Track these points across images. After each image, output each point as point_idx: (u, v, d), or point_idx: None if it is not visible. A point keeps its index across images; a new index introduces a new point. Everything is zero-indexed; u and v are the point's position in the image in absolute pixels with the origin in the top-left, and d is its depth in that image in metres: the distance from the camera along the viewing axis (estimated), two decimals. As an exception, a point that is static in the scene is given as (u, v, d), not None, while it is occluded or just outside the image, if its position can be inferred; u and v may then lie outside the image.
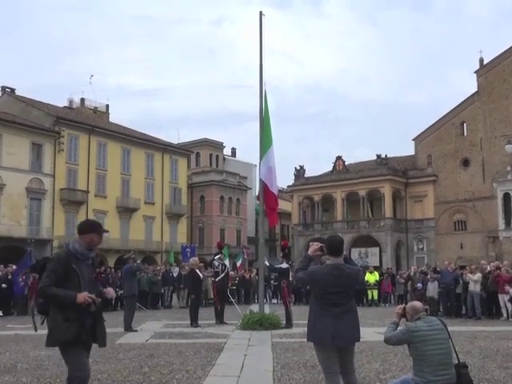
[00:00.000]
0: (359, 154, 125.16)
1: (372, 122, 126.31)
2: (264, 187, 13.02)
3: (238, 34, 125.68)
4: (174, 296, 26.66)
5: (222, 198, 61.30)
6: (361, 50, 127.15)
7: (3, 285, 20.24)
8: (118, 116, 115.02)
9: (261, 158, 13.05)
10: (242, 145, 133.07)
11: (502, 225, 49.90)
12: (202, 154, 68.83)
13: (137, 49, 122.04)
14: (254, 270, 30.00)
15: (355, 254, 50.66)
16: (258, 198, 13.15)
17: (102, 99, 59.42)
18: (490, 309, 18.38)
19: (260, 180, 13.25)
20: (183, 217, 56.19)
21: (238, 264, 30.42)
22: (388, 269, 32.91)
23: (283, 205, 66.76)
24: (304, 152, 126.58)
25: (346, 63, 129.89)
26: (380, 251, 52.85)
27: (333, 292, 4.97)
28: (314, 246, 5.25)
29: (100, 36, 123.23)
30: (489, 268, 19.15)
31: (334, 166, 59.08)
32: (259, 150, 13.27)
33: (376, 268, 31.09)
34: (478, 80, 53.28)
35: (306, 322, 5.16)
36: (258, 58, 14.24)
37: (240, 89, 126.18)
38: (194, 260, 16.70)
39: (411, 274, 24.03)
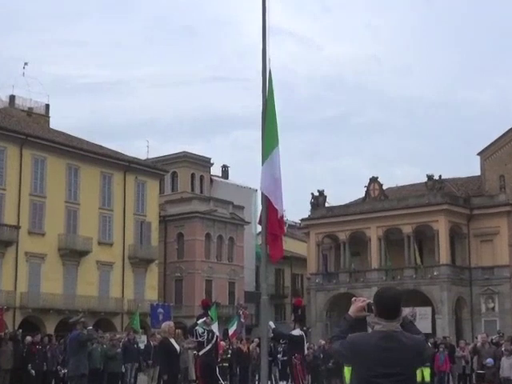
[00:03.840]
0: (401, 174, 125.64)
1: (417, 130, 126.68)
2: (267, 205, 12.88)
3: (226, 7, 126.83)
4: (141, 376, 26.45)
5: (208, 236, 61.21)
6: (400, 29, 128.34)
7: None
8: (62, 120, 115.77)
9: (262, 163, 12.95)
10: (237, 161, 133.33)
11: None
12: (181, 174, 69.00)
13: (87, 27, 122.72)
14: (255, 340, 29.79)
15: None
16: (259, 221, 12.98)
17: (39, 97, 59.59)
18: None
19: (262, 196, 13.10)
20: (153, 263, 56.01)
21: (232, 331, 30.22)
22: (445, 338, 32.73)
23: (296, 246, 66.73)
24: (321, 171, 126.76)
25: (380, 48, 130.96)
26: (433, 312, 52.53)
27: (384, 374, 4.77)
28: (359, 302, 5.16)
29: (37, 9, 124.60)
30: None
31: (366, 192, 59.11)
32: (261, 151, 13.17)
33: (428, 336, 30.92)
34: None
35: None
36: (256, 37, 14.28)
37: (230, 82, 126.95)
38: (168, 325, 16.60)
39: (478, 345, 23.88)
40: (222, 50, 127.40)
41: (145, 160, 63.38)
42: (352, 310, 5.11)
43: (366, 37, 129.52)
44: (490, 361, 21.16)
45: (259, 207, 14.07)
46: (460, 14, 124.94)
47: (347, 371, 27.64)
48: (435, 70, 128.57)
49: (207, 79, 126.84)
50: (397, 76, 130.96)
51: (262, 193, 12.97)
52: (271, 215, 12.69)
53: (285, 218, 13.53)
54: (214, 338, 16.46)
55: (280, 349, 26.26)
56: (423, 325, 49.33)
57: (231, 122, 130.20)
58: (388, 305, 4.90)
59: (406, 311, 51.47)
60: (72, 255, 50.37)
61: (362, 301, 5.10)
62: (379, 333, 4.86)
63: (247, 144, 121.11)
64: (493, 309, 54.31)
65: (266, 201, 12.78)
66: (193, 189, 68.96)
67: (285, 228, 13.96)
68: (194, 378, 17.69)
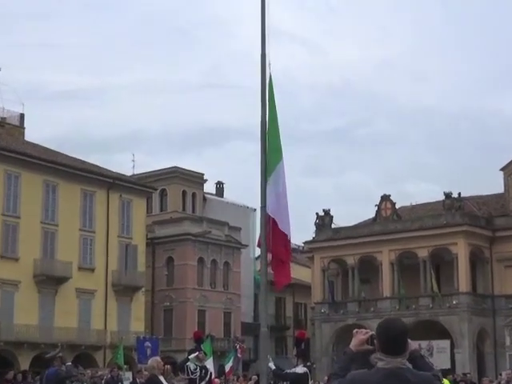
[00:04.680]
0: (416, 191, 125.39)
1: (433, 142, 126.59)
2: (271, 226, 12.81)
3: (221, 6, 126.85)
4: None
5: (201, 260, 61.12)
6: (414, 31, 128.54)
7: None
8: (38, 132, 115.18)
9: (267, 182, 12.91)
10: (233, 177, 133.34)
11: None
12: (171, 191, 68.98)
13: (65, 28, 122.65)
14: (253, 377, 29.70)
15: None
16: (259, 244, 12.94)
17: (13, 106, 59.55)
18: None
19: (261, 216, 13.04)
20: (140, 291, 55.88)
21: (228, 367, 30.17)
22: (465, 374, 32.65)
23: (298, 272, 66.52)
24: (327, 188, 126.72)
25: (391, 51, 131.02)
26: (452, 346, 52.37)
27: None
28: (361, 335, 5.15)
29: (9, 8, 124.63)
30: None
31: (377, 212, 59.06)
32: (261, 168, 13.15)
33: (446, 373, 30.81)
34: None
35: None
36: (253, 40, 14.35)
37: (224, 90, 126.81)
38: (156, 361, 16.55)
39: (502, 383, 23.79)
40: (216, 54, 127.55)
41: (130, 176, 63.35)
42: (353, 344, 5.08)
43: (375, 39, 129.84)
44: (516, 400, 21.06)
45: (258, 228, 14.05)
46: (483, 14, 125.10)
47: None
48: (454, 76, 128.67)
49: (199, 86, 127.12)
50: (411, 83, 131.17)
51: (262, 212, 12.93)
52: (276, 238, 12.66)
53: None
54: (208, 375, 16.41)
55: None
56: (441, 360, 49.25)
57: (226, 133, 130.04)
58: (392, 338, 4.83)
59: (423, 345, 51.31)
60: (49, 282, 50.23)
61: (364, 333, 5.08)
62: (382, 370, 4.80)
63: (244, 158, 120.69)
64: (519, 342, 54.20)
65: (267, 221, 12.73)
66: (184, 208, 68.92)
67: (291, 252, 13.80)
68: (185, 419, 17.58)
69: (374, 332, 5.02)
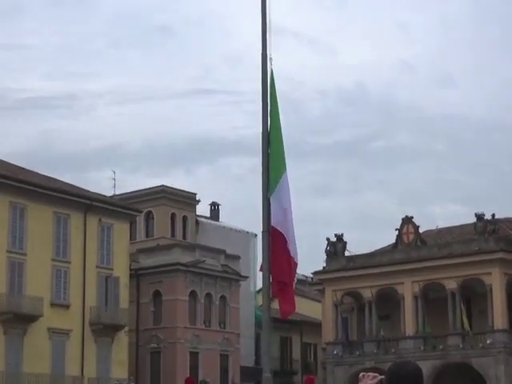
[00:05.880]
0: (443, 213, 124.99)
1: (461, 156, 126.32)
2: (276, 244, 12.80)
3: (215, 1, 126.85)
4: None
5: (193, 294, 61.03)
6: (439, 28, 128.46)
7: None
8: (2, 147, 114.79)
9: (268, 201, 12.97)
10: (229, 197, 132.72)
11: None
12: (158, 214, 68.94)
13: (30, 26, 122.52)
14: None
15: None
16: (261, 268, 13.02)
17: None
18: None
19: (271, 230, 13.00)
20: (122, 331, 55.78)
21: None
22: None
23: (307, 307, 66.50)
24: (338, 210, 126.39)
25: (413, 52, 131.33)
26: (486, 393, 52.33)
27: None
28: (368, 379, 5.19)
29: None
30: None
31: (398, 236, 59.05)
32: (262, 185, 13.22)
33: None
34: None
35: None
36: (252, 39, 14.44)
37: (217, 96, 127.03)
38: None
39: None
40: (208, 56, 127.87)
41: (110, 197, 63.37)
42: None
43: (394, 38, 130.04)
44: None
45: (260, 257, 14.08)
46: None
47: None
48: (486, 81, 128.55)
49: (188, 93, 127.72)
50: (435, 88, 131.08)
51: (264, 238, 12.99)
52: (279, 257, 12.67)
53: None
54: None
55: None
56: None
57: (220, 146, 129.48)
58: (404, 383, 4.87)
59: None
60: (16, 321, 50.15)
61: (371, 377, 5.11)
62: None
63: (242, 175, 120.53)
64: None
65: (270, 240, 12.77)
66: (173, 234, 68.87)
67: (295, 276, 13.81)
68: None
69: (383, 376, 5.06)
